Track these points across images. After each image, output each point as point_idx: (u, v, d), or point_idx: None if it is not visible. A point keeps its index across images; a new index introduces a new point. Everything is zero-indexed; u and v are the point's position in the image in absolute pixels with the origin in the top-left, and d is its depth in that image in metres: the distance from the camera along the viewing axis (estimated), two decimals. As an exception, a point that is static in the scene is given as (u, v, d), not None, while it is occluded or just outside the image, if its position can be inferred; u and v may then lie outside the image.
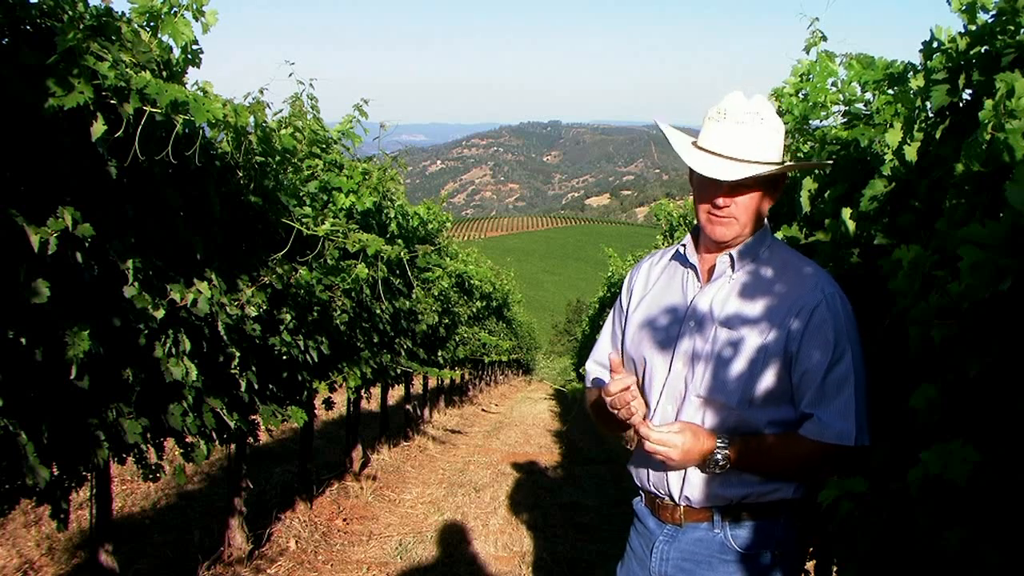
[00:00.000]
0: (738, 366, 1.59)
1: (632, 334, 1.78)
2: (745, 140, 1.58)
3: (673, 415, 1.65)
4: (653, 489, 1.72)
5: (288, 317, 3.35)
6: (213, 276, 2.60)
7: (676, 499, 1.66)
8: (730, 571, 1.63)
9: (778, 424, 1.60)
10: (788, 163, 1.69)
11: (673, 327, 1.70)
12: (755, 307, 1.61)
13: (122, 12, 2.08)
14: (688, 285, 1.72)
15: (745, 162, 1.57)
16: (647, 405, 1.69)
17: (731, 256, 1.66)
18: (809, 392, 1.56)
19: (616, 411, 1.64)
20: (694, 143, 1.66)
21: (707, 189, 1.62)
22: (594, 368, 1.92)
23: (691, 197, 1.81)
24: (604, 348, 1.91)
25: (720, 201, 1.60)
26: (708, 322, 1.64)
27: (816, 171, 2.24)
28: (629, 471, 1.82)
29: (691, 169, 1.65)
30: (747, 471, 1.61)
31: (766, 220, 1.71)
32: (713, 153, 1.59)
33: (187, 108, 2.03)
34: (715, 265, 1.68)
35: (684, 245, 1.75)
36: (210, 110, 2.07)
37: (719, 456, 1.57)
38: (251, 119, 2.37)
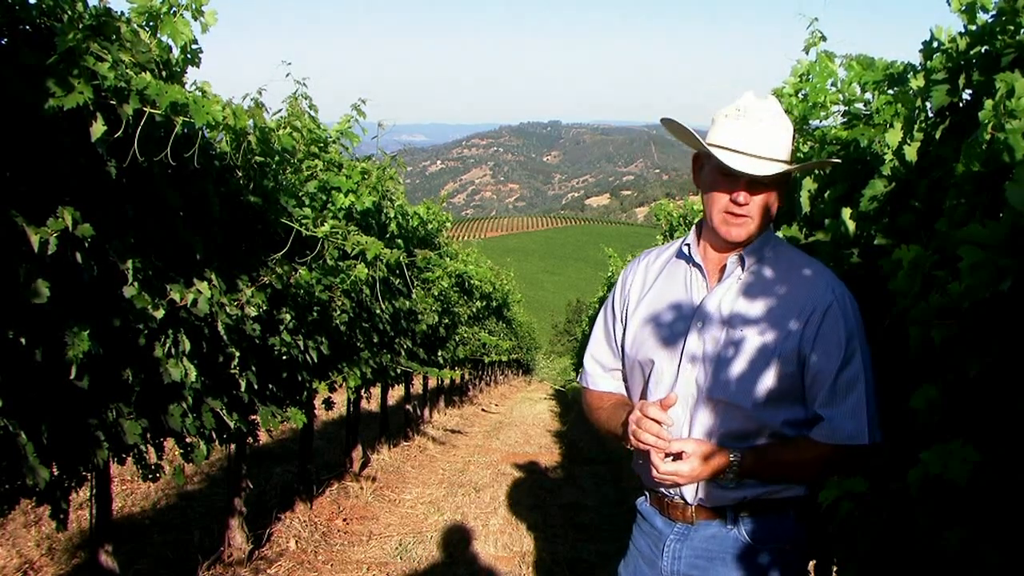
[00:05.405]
0: (748, 367, 1.57)
1: (633, 335, 1.75)
2: (766, 138, 1.55)
3: (685, 418, 1.62)
4: (662, 489, 1.69)
5: (288, 317, 3.35)
6: (213, 276, 2.60)
7: (688, 499, 1.65)
8: (743, 566, 1.62)
9: (794, 424, 1.59)
10: (808, 162, 1.67)
11: (679, 328, 1.66)
12: (764, 307, 1.60)
13: (121, 12, 2.08)
14: (693, 284, 1.69)
15: (767, 159, 1.55)
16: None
17: (740, 257, 1.64)
18: (821, 393, 1.55)
19: (635, 428, 1.56)
20: (707, 142, 1.62)
21: (725, 187, 1.58)
22: (594, 368, 1.87)
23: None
24: (602, 347, 1.87)
25: (742, 198, 1.57)
26: (716, 323, 1.61)
27: (816, 171, 2.24)
28: (635, 471, 1.78)
29: (705, 169, 1.63)
30: (764, 480, 1.60)
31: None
32: (733, 150, 1.56)
33: (187, 110, 2.03)
34: (725, 266, 1.65)
35: (688, 244, 1.72)
36: (210, 112, 2.06)
37: (731, 474, 1.55)
38: (250, 122, 2.37)
